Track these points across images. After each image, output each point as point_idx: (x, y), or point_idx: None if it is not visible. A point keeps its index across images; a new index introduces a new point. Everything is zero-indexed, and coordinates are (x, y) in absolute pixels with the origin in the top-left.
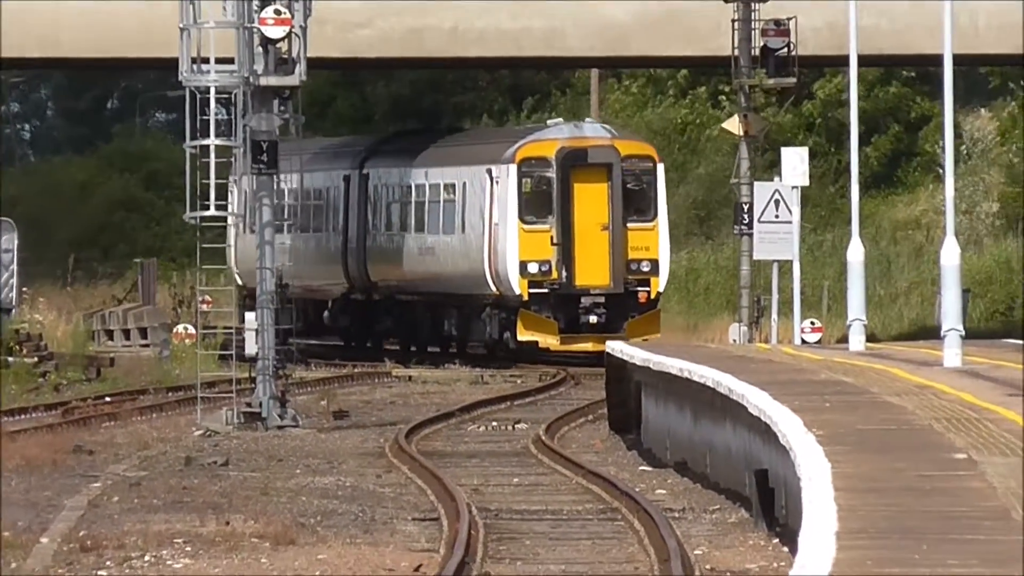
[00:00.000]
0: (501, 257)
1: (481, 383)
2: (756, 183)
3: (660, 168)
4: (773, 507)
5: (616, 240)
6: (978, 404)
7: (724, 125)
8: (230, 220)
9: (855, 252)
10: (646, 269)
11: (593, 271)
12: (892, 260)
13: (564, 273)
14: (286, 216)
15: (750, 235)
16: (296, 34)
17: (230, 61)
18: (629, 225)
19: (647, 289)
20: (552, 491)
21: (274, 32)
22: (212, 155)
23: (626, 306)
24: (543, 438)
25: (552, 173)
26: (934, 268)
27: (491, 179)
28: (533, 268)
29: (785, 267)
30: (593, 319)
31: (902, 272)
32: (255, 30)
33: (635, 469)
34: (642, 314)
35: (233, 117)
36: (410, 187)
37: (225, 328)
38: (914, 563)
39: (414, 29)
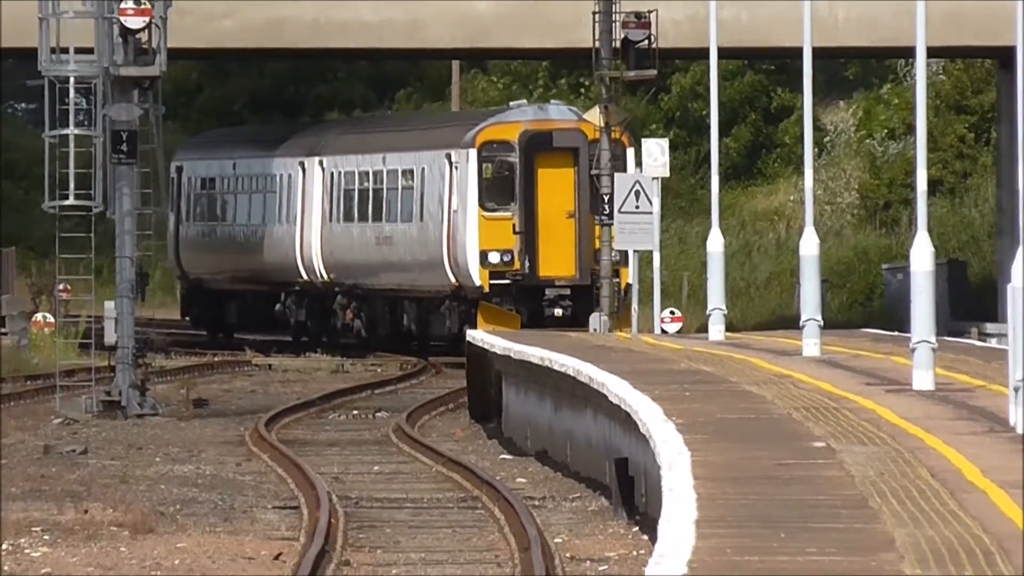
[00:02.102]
0: (460, 246)
1: (342, 372)
2: (616, 174)
3: (630, 152)
4: (633, 496)
5: (583, 229)
6: (836, 393)
7: (585, 116)
8: (171, 212)
9: (715, 242)
10: (615, 259)
11: (558, 261)
12: (753, 249)
13: (527, 263)
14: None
15: (611, 225)
16: (156, 24)
17: (90, 51)
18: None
19: (617, 280)
20: (413, 479)
21: (134, 22)
22: (72, 144)
23: (592, 298)
24: (403, 427)
25: (515, 158)
26: (793, 258)
27: (450, 164)
28: (494, 258)
29: (646, 257)
30: (558, 312)
31: (762, 262)
32: (115, 20)
33: (496, 458)
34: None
35: (93, 107)
36: (367, 174)
37: (85, 317)
38: (773, 551)
39: (276, 20)
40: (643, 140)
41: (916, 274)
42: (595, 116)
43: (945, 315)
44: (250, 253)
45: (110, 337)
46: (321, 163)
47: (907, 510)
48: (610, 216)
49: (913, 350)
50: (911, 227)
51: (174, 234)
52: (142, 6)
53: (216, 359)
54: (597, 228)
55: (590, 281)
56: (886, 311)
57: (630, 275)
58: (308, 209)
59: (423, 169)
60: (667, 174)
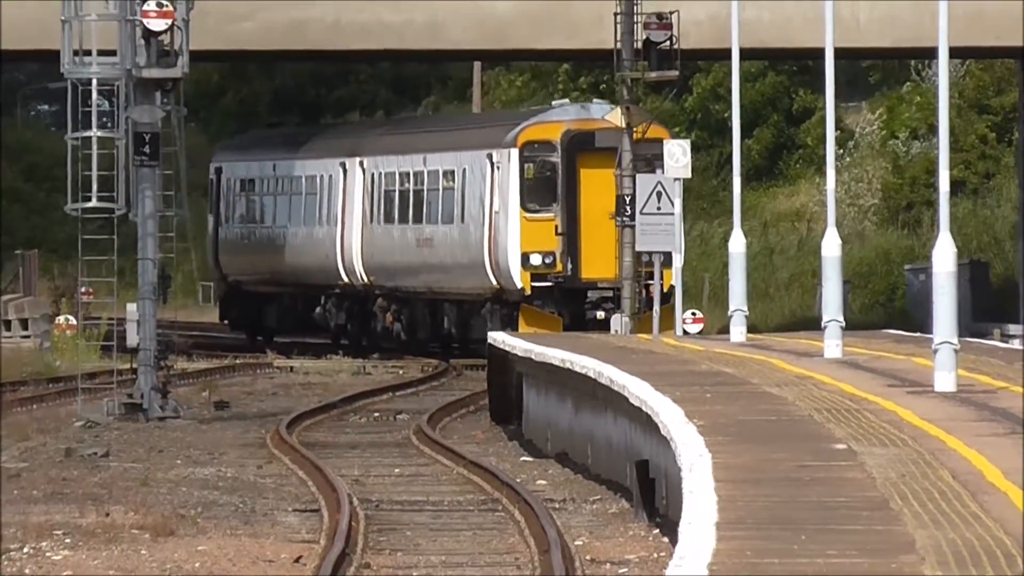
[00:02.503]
0: (502, 248)
1: (363, 374)
2: (638, 175)
3: None
4: (654, 498)
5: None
6: (858, 395)
7: (607, 117)
8: (211, 213)
9: (736, 243)
10: (650, 262)
11: (600, 263)
12: (774, 251)
13: (569, 265)
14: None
15: (632, 227)
16: (178, 27)
17: (112, 53)
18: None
19: (660, 282)
20: (433, 482)
21: (156, 25)
22: (94, 147)
23: (635, 300)
24: (424, 429)
25: (557, 158)
26: (815, 260)
27: (491, 164)
28: (536, 260)
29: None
30: (600, 315)
31: (784, 264)
32: (137, 22)
33: (516, 460)
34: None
35: (115, 109)
36: (408, 174)
37: (107, 319)
38: (793, 553)
39: (296, 21)
40: (664, 141)
41: (938, 275)
42: (617, 117)
43: (967, 316)
44: (290, 255)
45: (132, 339)
46: (362, 164)
47: (928, 512)
48: (632, 217)
49: (935, 351)
50: (933, 228)
51: (213, 236)
52: (164, 8)
53: (238, 361)
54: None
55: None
56: (908, 312)
57: (673, 277)
58: (349, 210)
59: (464, 170)
60: (689, 175)
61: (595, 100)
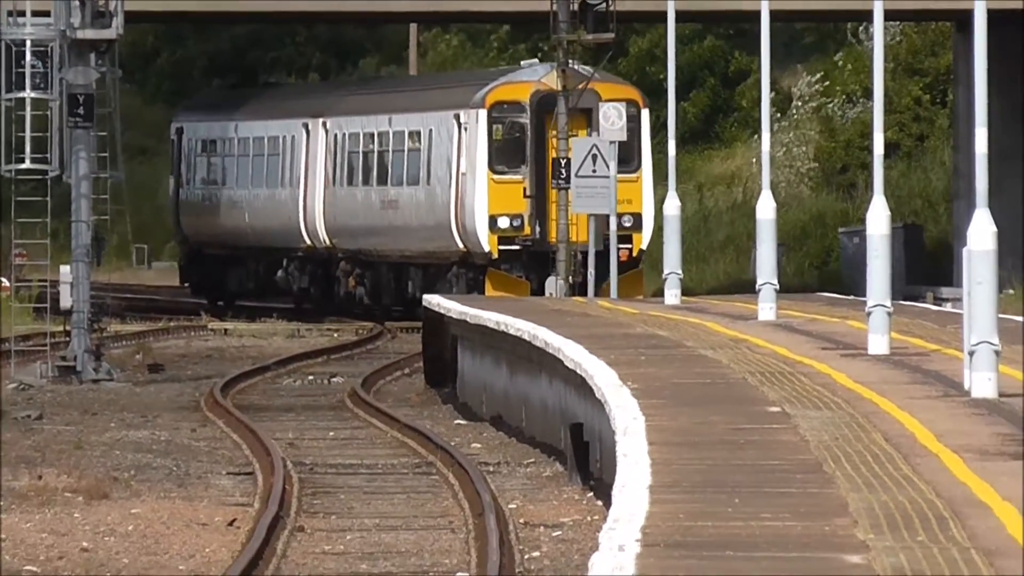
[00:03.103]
0: (469, 211)
1: (297, 336)
2: (573, 138)
3: (645, 114)
4: (588, 461)
5: None
6: (792, 358)
7: (542, 79)
8: (172, 174)
9: (671, 206)
10: (627, 224)
11: (573, 227)
12: (709, 214)
13: (538, 228)
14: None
15: (567, 189)
16: None
17: (47, 14)
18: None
19: (628, 247)
20: (367, 445)
21: None
22: (28, 108)
23: (605, 265)
24: (359, 392)
25: (526, 119)
26: (750, 223)
27: (459, 125)
28: (504, 223)
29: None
30: (569, 279)
31: (719, 227)
32: None
33: (451, 423)
34: (623, 274)
35: (50, 70)
36: (372, 135)
37: (40, 281)
38: (727, 516)
39: None
40: (599, 104)
41: (872, 238)
42: (553, 79)
43: (901, 279)
44: (252, 218)
45: (66, 302)
46: (325, 125)
47: (861, 475)
48: (567, 180)
49: (868, 314)
50: (868, 191)
51: (174, 198)
52: None
53: (172, 324)
54: (564, 193)
55: (603, 247)
56: (842, 275)
57: (643, 241)
58: (312, 172)
59: (430, 131)
60: (624, 138)
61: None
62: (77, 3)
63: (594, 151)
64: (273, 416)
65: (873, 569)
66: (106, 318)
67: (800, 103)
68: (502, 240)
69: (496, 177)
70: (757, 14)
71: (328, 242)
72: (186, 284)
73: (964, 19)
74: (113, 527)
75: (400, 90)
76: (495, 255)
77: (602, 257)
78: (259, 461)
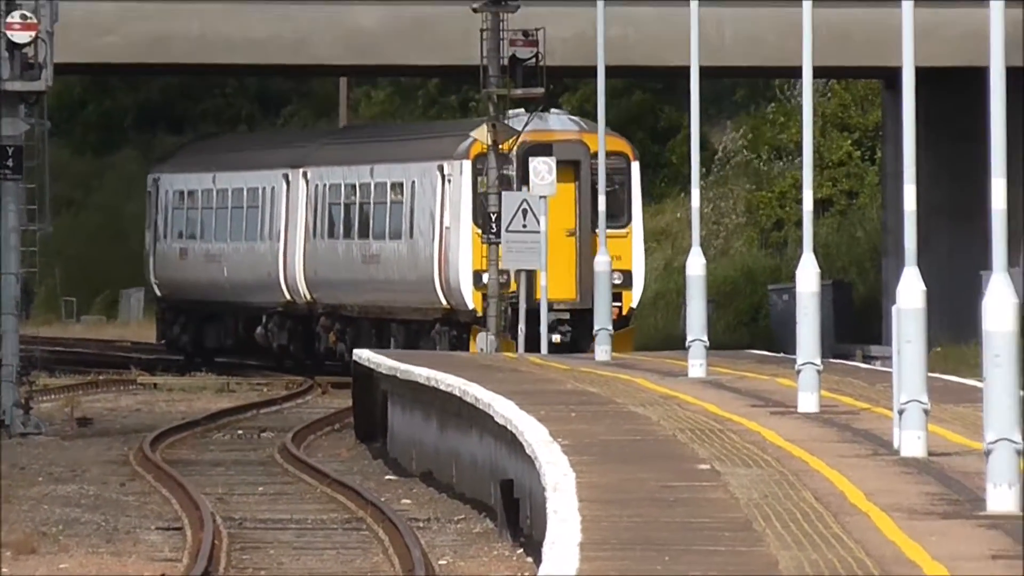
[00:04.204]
0: (453, 266)
1: (227, 391)
2: (504, 192)
3: (635, 167)
4: (518, 517)
5: (584, 248)
6: (722, 415)
7: (473, 134)
8: (148, 227)
9: (601, 262)
10: (617, 281)
11: (558, 283)
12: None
13: (524, 285)
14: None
15: (498, 244)
16: (42, 39)
17: None
18: (598, 231)
19: (619, 304)
20: (297, 500)
21: (20, 37)
22: None
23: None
24: (289, 447)
25: (512, 171)
26: (680, 278)
27: (442, 177)
28: (486, 279)
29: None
30: (556, 338)
31: (649, 283)
32: (1, 34)
33: (381, 478)
34: (613, 332)
35: None
36: (353, 186)
37: None
38: (656, 573)
39: (161, 35)
40: (530, 159)
41: (801, 295)
42: (482, 134)
43: (830, 336)
44: (230, 272)
45: None
46: (305, 175)
47: (791, 533)
48: (498, 235)
49: (798, 372)
50: (798, 247)
51: (150, 252)
52: (28, 20)
53: (101, 378)
54: (485, 247)
55: (591, 304)
56: (772, 332)
57: (633, 299)
58: (292, 224)
59: (413, 182)
60: (554, 192)
61: (553, 110)
62: (6, 54)
63: (524, 206)
64: (202, 471)
65: None
66: (35, 371)
67: (727, 158)
68: (487, 297)
69: (481, 232)
70: (686, 69)
71: (308, 297)
72: (162, 341)
73: (892, 77)
74: None
75: (382, 139)
76: (480, 312)
77: (588, 315)
78: (188, 516)
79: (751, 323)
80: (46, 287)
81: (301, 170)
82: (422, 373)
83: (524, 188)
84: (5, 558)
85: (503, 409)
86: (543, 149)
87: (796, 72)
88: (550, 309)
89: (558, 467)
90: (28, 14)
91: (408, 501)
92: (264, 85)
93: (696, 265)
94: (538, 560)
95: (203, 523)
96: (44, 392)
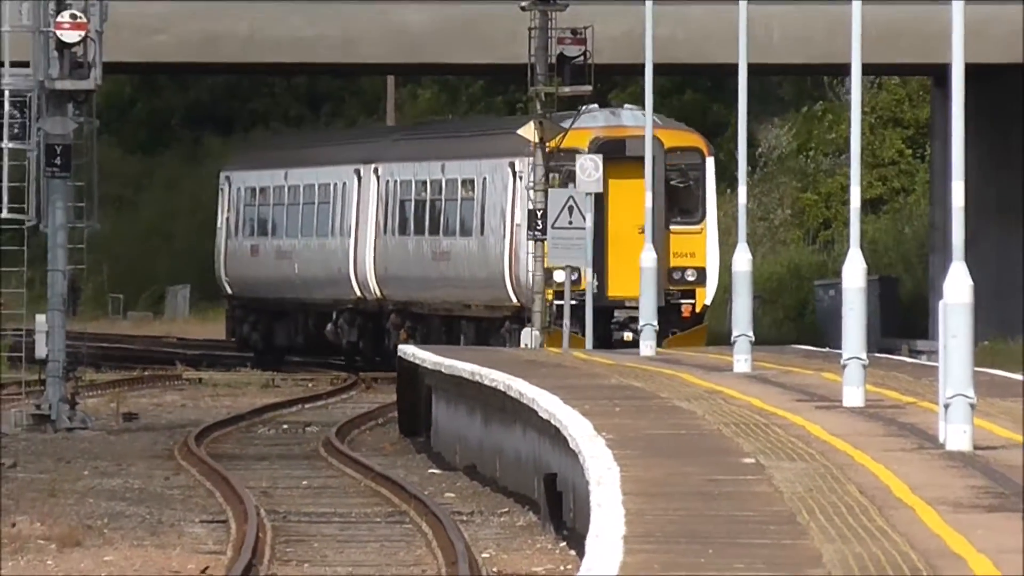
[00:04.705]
0: (523, 264)
1: (272, 386)
2: (550, 189)
3: (710, 162)
4: (562, 511)
5: (657, 245)
6: (767, 409)
7: (519, 131)
8: (220, 225)
9: (648, 258)
10: (691, 278)
11: (629, 281)
12: None
13: (595, 283)
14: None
15: (543, 240)
16: (92, 38)
17: (25, 64)
18: (672, 228)
19: (691, 301)
20: (341, 494)
21: (70, 36)
22: (5, 158)
23: (667, 321)
24: (333, 441)
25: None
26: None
27: (514, 174)
28: (560, 276)
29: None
30: (627, 336)
31: None
32: (51, 34)
33: (424, 472)
34: (685, 330)
35: (28, 120)
36: (424, 183)
37: (15, 330)
38: (700, 567)
39: (210, 35)
40: (577, 155)
41: (848, 290)
42: (529, 131)
43: (876, 332)
44: (301, 268)
45: (41, 351)
46: (376, 171)
47: (835, 526)
48: (543, 231)
49: (843, 366)
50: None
51: (222, 250)
52: (78, 20)
53: (147, 373)
54: (539, 244)
55: (664, 302)
56: (818, 327)
57: (707, 296)
58: (363, 221)
59: (484, 179)
60: (600, 189)
61: (626, 105)
62: (56, 54)
63: (570, 203)
64: (247, 465)
65: None
66: (81, 367)
67: (770, 155)
68: (558, 294)
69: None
70: (735, 67)
71: (379, 293)
72: (232, 339)
73: (941, 74)
74: (86, 575)
75: (453, 135)
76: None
77: (663, 313)
78: (232, 509)
79: (797, 319)
80: (93, 284)
81: (372, 166)
82: (466, 368)
83: (571, 184)
84: (50, 550)
85: (547, 403)
86: (617, 145)
87: (845, 70)
88: (622, 306)
89: (602, 461)
90: (78, 13)
91: (452, 495)
92: (312, 84)
93: (742, 261)
94: (581, 553)
95: (247, 516)
96: (90, 388)
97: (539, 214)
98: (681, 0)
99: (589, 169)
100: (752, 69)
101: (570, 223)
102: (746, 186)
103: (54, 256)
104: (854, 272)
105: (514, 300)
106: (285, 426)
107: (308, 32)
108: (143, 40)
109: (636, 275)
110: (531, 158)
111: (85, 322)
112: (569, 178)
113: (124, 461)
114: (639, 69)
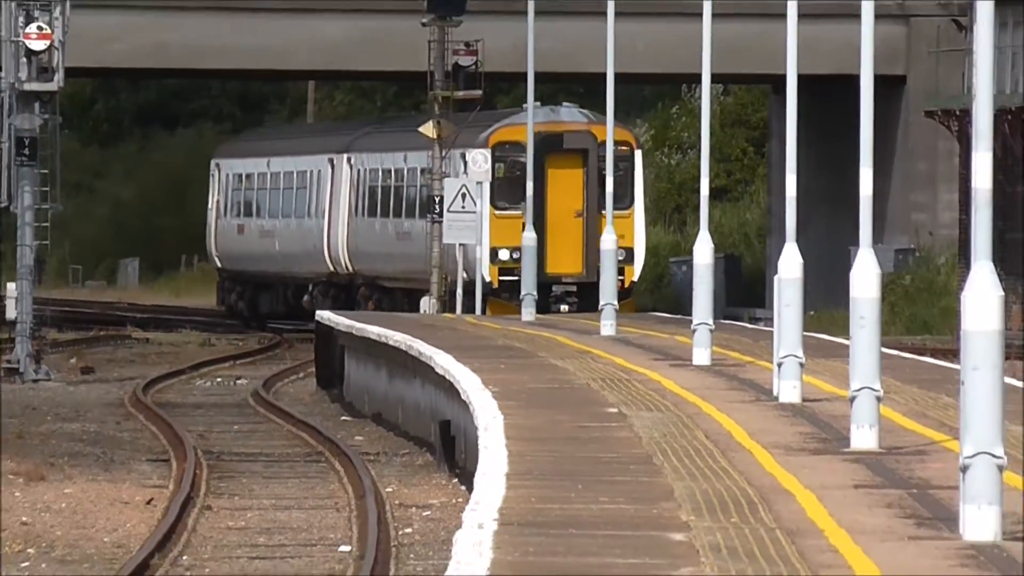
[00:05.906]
0: (472, 243)
1: (209, 345)
2: (446, 179)
3: (638, 154)
4: (454, 452)
5: (590, 228)
6: (628, 367)
7: (420, 129)
8: (210, 205)
9: (528, 238)
10: (620, 257)
11: (565, 259)
12: None
13: (530, 262)
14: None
15: (440, 223)
16: (56, 47)
17: None
18: (604, 212)
19: (621, 278)
20: (267, 437)
21: (37, 45)
22: None
23: (598, 295)
24: (260, 392)
25: (526, 158)
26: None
27: (465, 164)
28: (504, 255)
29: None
30: (564, 308)
31: None
32: (20, 43)
33: (338, 419)
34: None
35: (0, 117)
36: (390, 171)
37: None
38: (571, 500)
39: (161, 43)
40: (467, 150)
41: (698, 266)
42: (429, 130)
43: (721, 301)
44: (281, 246)
45: (11, 313)
46: (349, 160)
47: (685, 466)
48: (440, 215)
49: (694, 331)
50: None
51: (212, 228)
52: (44, 31)
53: (101, 333)
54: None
55: (596, 278)
56: (672, 298)
57: (635, 273)
58: (336, 204)
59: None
60: (488, 179)
61: (564, 103)
62: (24, 60)
63: (463, 190)
64: (187, 412)
65: (694, 545)
66: (45, 328)
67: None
68: (502, 271)
69: (498, 212)
70: (604, 75)
71: (350, 268)
72: (222, 306)
73: (778, 83)
74: (49, 505)
75: (413, 130)
76: (495, 284)
77: (592, 288)
78: (174, 450)
79: (655, 290)
80: (56, 257)
81: (345, 156)
82: (374, 330)
83: (463, 175)
84: (19, 483)
85: (443, 361)
86: (555, 138)
87: (697, 78)
88: (558, 282)
89: (488, 410)
90: (44, 25)
91: (360, 438)
92: (245, 88)
93: (609, 241)
94: (470, 488)
95: (187, 456)
96: (53, 345)
97: (437, 200)
98: (558, 17)
99: (479, 161)
100: (619, 77)
101: (463, 208)
102: (612, 177)
103: (23, 233)
104: (703, 251)
105: (464, 276)
106: (219, 379)
107: (246, 42)
108: (101, 48)
109: (573, 254)
110: (480, 150)
111: (49, 289)
112: (514, 168)
113: (82, 408)
114: (522, 77)
